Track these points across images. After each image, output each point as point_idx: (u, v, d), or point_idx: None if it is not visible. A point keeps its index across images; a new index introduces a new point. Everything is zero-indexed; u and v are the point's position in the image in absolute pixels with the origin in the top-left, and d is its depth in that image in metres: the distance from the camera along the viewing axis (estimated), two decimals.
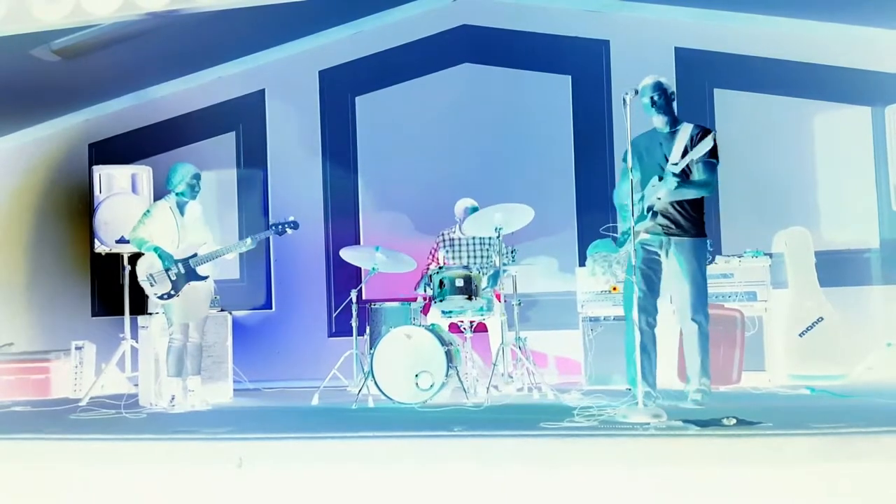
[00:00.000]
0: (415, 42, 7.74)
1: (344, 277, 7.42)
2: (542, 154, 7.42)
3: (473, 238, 6.35)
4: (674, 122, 4.66)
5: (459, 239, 6.41)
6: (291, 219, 5.55)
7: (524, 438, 3.50)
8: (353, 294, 6.18)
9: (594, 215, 6.33)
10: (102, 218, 6.66)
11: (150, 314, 5.89)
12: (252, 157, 8.08)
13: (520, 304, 5.95)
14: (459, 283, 5.38)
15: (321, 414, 5.15)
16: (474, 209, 6.15)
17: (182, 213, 5.48)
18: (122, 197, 6.74)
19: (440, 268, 5.65)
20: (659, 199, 4.48)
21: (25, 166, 8.43)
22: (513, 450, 3.44)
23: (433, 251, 6.53)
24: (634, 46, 7.19)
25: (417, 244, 6.75)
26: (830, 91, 6.80)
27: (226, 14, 5.72)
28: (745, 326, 5.75)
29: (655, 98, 4.60)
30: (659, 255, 4.66)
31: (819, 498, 3.01)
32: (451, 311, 5.51)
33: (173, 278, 5.34)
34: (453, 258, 6.37)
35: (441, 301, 5.41)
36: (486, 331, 6.18)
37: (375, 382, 5.21)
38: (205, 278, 5.47)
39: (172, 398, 5.34)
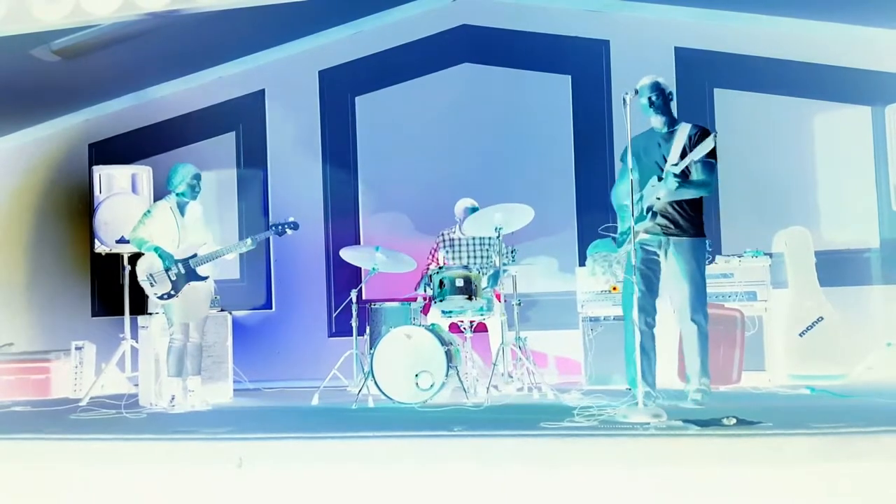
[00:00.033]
0: (414, 42, 7.74)
1: (344, 277, 7.41)
2: (542, 154, 7.42)
3: (473, 238, 6.35)
4: (672, 122, 4.67)
5: (459, 239, 6.41)
6: (291, 219, 5.55)
7: (524, 438, 3.50)
8: (353, 294, 6.18)
9: (594, 215, 6.33)
10: (102, 218, 6.66)
11: (150, 314, 5.89)
12: (252, 157, 8.08)
13: (520, 304, 5.95)
14: (459, 283, 5.38)
15: (321, 414, 5.15)
16: (474, 209, 6.15)
17: (182, 213, 5.48)
18: (122, 197, 6.74)
19: (440, 268, 5.65)
20: (658, 199, 4.48)
21: (25, 166, 8.43)
22: (513, 450, 3.43)
23: (433, 251, 6.53)
24: (634, 46, 7.19)
25: (417, 244, 6.75)
26: (830, 91, 6.80)
27: (226, 14, 5.72)
28: (745, 326, 5.75)
29: (653, 98, 4.61)
30: (658, 256, 4.66)
31: (819, 498, 3.00)
32: (451, 311, 5.50)
33: (173, 278, 5.34)
34: (453, 258, 6.37)
35: (441, 301, 5.41)
36: (486, 331, 6.19)
37: (375, 382, 5.21)
38: (205, 278, 5.48)
39: (172, 398, 5.34)
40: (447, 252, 6.42)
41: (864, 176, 6.69)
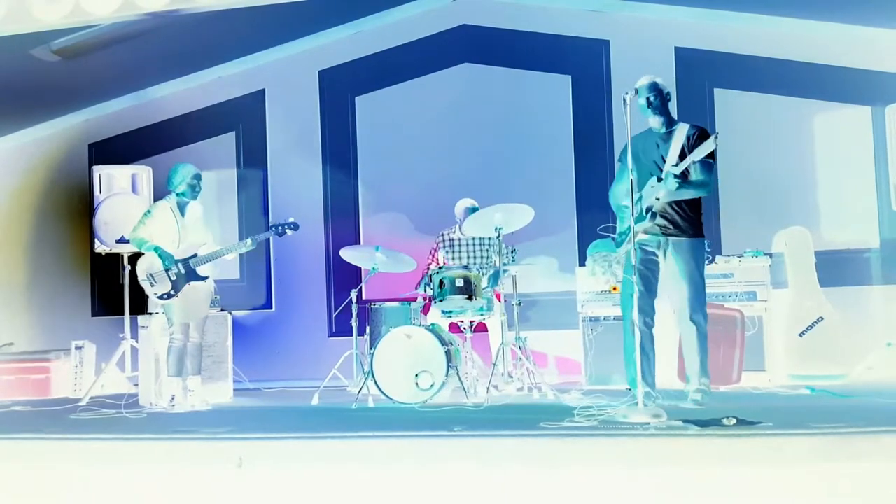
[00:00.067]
0: (414, 42, 7.74)
1: (344, 277, 7.41)
2: (542, 154, 7.42)
3: (473, 238, 6.35)
4: (670, 123, 4.67)
5: (459, 239, 6.41)
6: (291, 220, 5.55)
7: (524, 438, 3.50)
8: (353, 294, 6.18)
9: (594, 215, 6.32)
10: (102, 218, 6.66)
11: (150, 314, 5.89)
12: (252, 157, 8.08)
13: (520, 304, 5.95)
14: (459, 283, 5.38)
15: (321, 414, 5.15)
16: (474, 209, 6.15)
17: (183, 213, 5.49)
18: (122, 197, 6.74)
19: (440, 268, 5.65)
20: (658, 199, 4.48)
21: (25, 166, 8.43)
22: (513, 450, 3.43)
23: (433, 251, 6.53)
24: (634, 46, 7.19)
25: (417, 244, 6.76)
26: (830, 91, 6.80)
27: (226, 14, 5.72)
28: (745, 326, 5.75)
29: (651, 99, 4.62)
30: (657, 256, 4.66)
31: (819, 498, 3.00)
32: (451, 311, 5.50)
33: (173, 278, 5.34)
34: (453, 258, 6.37)
35: (441, 301, 5.41)
36: (486, 331, 6.18)
37: (375, 382, 5.21)
38: (205, 278, 5.48)
39: (172, 398, 5.34)
40: (447, 252, 6.42)
41: (864, 176, 6.69)
